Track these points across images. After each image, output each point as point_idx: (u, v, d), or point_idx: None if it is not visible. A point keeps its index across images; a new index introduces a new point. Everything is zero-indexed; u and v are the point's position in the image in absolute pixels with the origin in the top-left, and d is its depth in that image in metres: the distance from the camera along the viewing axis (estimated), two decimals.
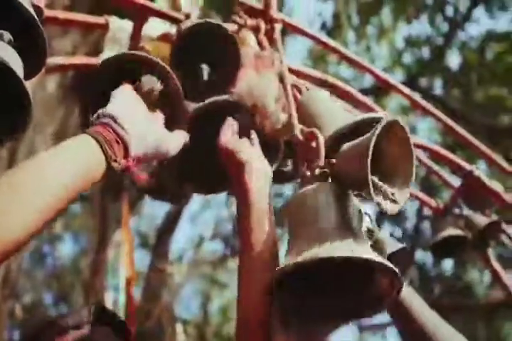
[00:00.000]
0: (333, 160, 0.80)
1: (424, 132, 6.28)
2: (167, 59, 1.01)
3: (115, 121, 0.71)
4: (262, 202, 0.83)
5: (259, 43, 1.24)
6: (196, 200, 7.11)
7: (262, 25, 1.28)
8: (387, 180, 0.75)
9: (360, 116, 0.90)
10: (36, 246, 5.98)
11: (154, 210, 7.07)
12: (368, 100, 1.66)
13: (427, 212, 1.94)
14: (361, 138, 0.76)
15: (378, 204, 0.73)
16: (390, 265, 0.69)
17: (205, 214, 7.55)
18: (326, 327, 0.76)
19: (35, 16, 0.74)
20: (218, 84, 1.07)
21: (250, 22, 1.28)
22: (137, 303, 3.25)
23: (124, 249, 3.10)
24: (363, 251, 0.71)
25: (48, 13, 1.03)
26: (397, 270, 0.69)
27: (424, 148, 1.80)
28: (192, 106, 1.07)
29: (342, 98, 1.54)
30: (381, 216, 4.15)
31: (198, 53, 1.07)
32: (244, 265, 0.81)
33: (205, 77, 0.98)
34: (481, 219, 1.70)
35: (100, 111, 0.73)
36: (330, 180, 0.81)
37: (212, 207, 7.50)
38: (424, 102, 1.80)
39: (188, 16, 1.22)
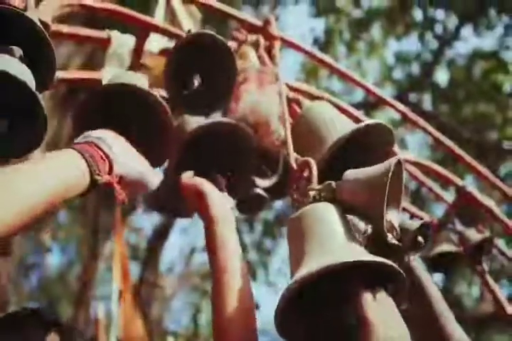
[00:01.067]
0: (333, 185, 0.79)
1: (414, 147, 6.35)
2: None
3: (103, 141, 0.75)
4: (227, 227, 0.85)
5: (260, 59, 1.26)
6: None
7: (262, 41, 1.30)
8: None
9: (356, 125, 0.91)
10: (22, 257, 5.87)
11: (144, 223, 7.01)
12: (360, 114, 1.69)
13: None
14: (369, 174, 0.76)
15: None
16: (391, 263, 0.69)
17: (195, 226, 7.51)
18: None
19: (46, 32, 0.75)
20: (215, 96, 1.07)
21: (250, 38, 1.30)
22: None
23: (116, 261, 3.06)
24: (363, 254, 0.72)
25: (52, 27, 1.05)
26: (398, 268, 0.69)
27: (416, 164, 1.81)
28: (190, 120, 1.07)
29: None
30: None
31: (195, 64, 1.08)
32: (216, 290, 0.81)
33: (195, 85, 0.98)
34: (474, 235, 1.71)
35: (87, 133, 0.77)
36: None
37: None
38: (415, 116, 1.83)
39: (189, 32, 1.23)
